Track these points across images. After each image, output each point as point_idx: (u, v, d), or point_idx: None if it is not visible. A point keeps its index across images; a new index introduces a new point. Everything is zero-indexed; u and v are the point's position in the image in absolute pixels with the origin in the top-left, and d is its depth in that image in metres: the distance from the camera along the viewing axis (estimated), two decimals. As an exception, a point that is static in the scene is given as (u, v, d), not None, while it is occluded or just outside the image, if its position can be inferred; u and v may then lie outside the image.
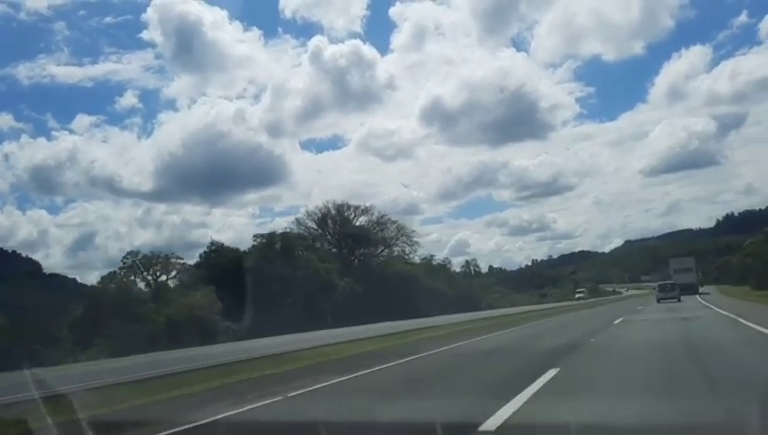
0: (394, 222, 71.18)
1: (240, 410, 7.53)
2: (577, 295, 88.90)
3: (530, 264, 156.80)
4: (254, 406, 7.74)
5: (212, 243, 56.42)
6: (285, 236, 58.26)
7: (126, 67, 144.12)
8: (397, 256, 70.91)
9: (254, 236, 58.25)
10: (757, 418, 5.34)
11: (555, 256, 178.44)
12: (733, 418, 5.56)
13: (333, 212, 69.08)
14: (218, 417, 7.08)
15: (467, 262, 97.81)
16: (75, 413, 7.25)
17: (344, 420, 6.77)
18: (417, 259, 73.01)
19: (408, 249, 72.75)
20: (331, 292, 51.96)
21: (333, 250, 68.02)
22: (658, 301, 42.20)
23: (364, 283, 57.69)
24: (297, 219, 68.56)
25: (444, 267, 79.26)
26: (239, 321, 39.59)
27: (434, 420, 5.86)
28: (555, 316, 32.72)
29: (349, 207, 70.28)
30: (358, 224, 69.86)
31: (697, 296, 47.21)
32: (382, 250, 71.33)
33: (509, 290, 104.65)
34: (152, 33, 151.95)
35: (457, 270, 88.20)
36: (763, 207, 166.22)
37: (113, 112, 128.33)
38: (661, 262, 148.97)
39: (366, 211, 70.75)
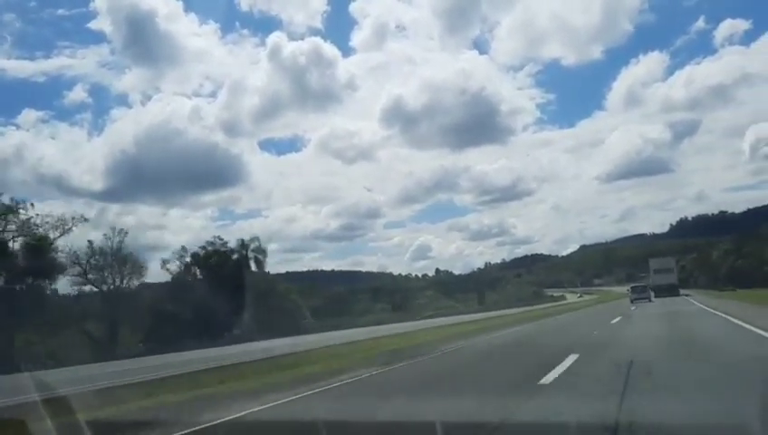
0: None
1: None
2: None
3: (482, 267, 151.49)
4: None
5: None
6: None
7: (80, 62, 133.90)
8: None
9: None
10: None
11: (509, 260, 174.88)
12: None
13: None
14: None
15: (248, 247, 53.45)
16: None
17: None
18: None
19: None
20: None
21: None
22: (632, 301, 42.12)
23: None
24: None
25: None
26: None
27: None
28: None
29: None
30: None
31: (695, 301, 35.79)
32: None
33: (441, 295, 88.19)
34: (102, 23, 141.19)
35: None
36: (716, 212, 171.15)
37: (61, 107, 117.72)
38: (615, 265, 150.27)
39: None
